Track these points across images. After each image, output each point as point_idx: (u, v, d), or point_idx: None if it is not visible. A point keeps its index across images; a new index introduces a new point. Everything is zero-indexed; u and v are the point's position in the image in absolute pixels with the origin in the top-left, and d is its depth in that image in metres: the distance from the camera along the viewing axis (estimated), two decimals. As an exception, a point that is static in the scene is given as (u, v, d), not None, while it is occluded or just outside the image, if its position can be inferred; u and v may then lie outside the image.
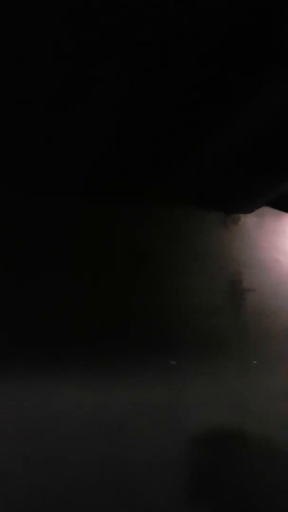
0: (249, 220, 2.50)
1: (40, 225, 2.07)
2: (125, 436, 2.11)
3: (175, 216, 2.40)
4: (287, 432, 2.30)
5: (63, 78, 1.53)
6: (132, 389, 2.19)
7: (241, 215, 2.49)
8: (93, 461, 1.93)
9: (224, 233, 2.45)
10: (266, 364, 2.36)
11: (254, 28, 1.37)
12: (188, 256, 2.38)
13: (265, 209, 2.53)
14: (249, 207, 2.46)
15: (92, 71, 1.49)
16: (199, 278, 2.37)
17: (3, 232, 1.98)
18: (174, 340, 2.31)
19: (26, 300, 1.94)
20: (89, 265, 2.15)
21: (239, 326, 2.37)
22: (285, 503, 2.24)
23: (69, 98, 1.63)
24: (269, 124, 1.87)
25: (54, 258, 2.06)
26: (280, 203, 2.53)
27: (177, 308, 2.31)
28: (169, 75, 1.57)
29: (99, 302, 2.17)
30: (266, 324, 2.40)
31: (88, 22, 1.28)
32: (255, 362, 2.37)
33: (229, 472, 2.21)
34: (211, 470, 2.20)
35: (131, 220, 2.29)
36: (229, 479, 2.21)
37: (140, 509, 1.97)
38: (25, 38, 1.33)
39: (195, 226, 2.42)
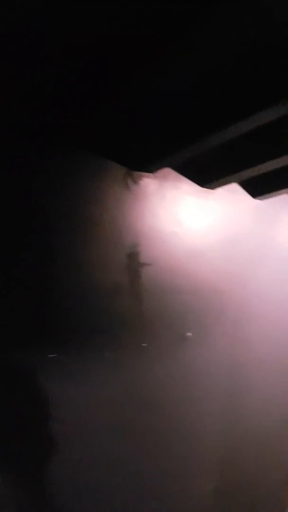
0: (150, 182, 2.11)
1: None
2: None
3: (69, 165, 1.80)
4: (176, 422, 2.17)
5: None
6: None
7: (144, 174, 2.08)
8: None
9: (124, 194, 1.99)
10: (159, 347, 2.12)
11: None
12: (81, 218, 1.84)
13: (167, 172, 2.18)
14: (154, 165, 2.06)
15: None
16: (93, 248, 1.87)
17: None
18: (57, 327, 1.79)
19: None
20: None
21: (134, 306, 2.02)
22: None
23: None
24: (192, 81, 1.62)
25: None
26: (182, 166, 2.22)
27: (64, 286, 1.78)
28: None
29: None
30: (162, 303, 2.13)
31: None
32: (144, 345, 2.10)
33: (115, 471, 1.93)
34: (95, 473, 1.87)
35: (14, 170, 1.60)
36: (114, 478, 1.93)
37: None
38: None
39: (93, 180, 1.88)
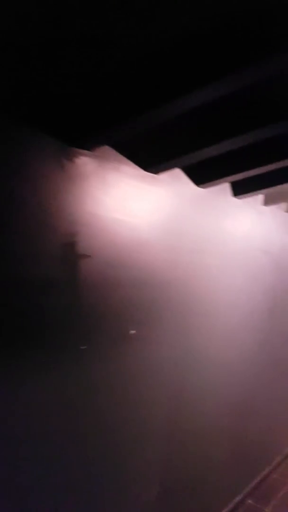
0: (88, 161, 1.84)
1: None
2: None
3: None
4: (117, 426, 1.95)
5: None
6: None
7: (80, 151, 1.80)
8: None
9: (57, 173, 1.70)
10: (99, 349, 1.87)
11: None
12: (5, 200, 1.51)
13: (108, 151, 1.93)
14: (91, 141, 1.80)
15: None
16: (21, 237, 1.56)
17: None
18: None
19: None
20: None
21: (71, 303, 1.74)
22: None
23: None
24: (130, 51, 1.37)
25: None
26: (123, 145, 1.99)
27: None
28: None
29: None
30: (102, 299, 1.89)
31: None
32: (83, 347, 1.84)
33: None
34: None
35: None
36: (49, 486, 1.66)
37: None
38: None
39: (19, 155, 1.55)
